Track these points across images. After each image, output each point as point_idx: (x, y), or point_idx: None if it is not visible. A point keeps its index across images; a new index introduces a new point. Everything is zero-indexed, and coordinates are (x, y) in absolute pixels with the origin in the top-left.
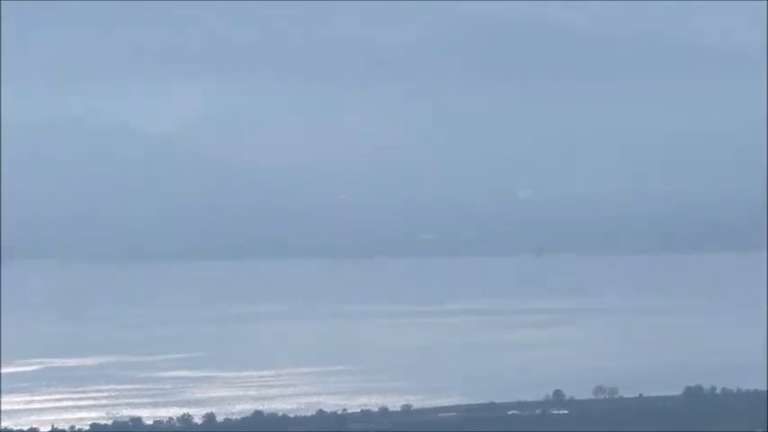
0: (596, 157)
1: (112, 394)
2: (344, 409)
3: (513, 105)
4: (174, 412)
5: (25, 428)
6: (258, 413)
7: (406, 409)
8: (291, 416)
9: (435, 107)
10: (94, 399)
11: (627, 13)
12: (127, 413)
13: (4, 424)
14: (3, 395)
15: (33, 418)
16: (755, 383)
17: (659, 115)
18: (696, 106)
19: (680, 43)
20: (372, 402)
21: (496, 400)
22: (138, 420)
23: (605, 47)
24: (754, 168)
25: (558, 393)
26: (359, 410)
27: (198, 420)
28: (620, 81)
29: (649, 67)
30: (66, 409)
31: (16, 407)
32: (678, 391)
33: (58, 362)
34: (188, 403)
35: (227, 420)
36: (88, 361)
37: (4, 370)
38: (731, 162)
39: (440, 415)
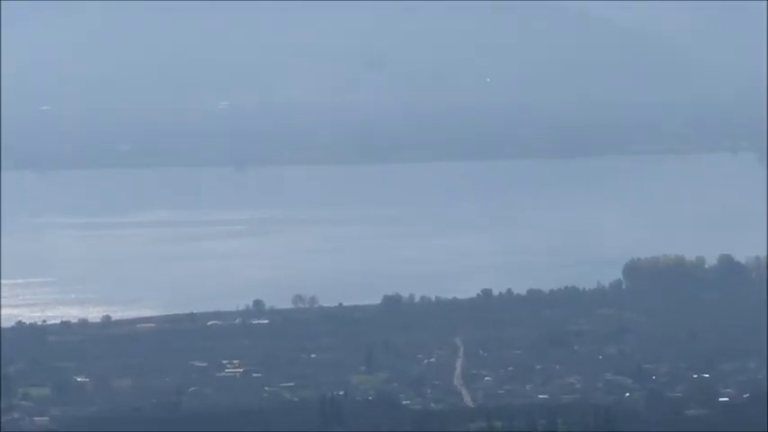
0: (298, 67)
1: None
2: (44, 321)
3: (205, 17)
4: None
5: None
6: None
7: (106, 321)
8: None
9: (125, 19)
10: None
11: None
12: None
13: None
14: None
15: None
16: (454, 291)
17: (358, 27)
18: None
19: None
20: (71, 314)
21: (196, 311)
22: None
23: None
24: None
25: (257, 303)
26: (58, 322)
27: None
28: None
29: None
30: None
31: None
32: (377, 300)
33: None
34: None
35: None
36: None
37: None
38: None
39: (139, 326)
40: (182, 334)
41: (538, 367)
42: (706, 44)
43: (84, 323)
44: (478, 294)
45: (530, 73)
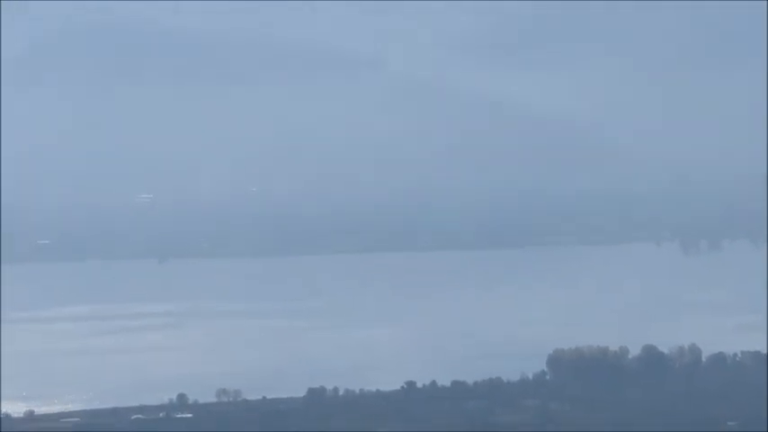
0: (218, 161)
1: None
2: None
3: (131, 109)
4: None
5: None
6: None
7: (29, 416)
8: None
9: (41, 108)
10: None
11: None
12: None
13: None
14: None
15: None
16: (377, 384)
17: (275, 118)
18: (313, 107)
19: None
20: None
21: (119, 405)
22: None
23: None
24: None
25: (181, 397)
26: None
27: None
28: (234, 85)
29: (256, 70)
30: None
31: None
32: (302, 393)
33: None
34: None
35: None
36: None
37: None
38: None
39: (63, 420)
40: (105, 428)
41: None
42: (627, 132)
43: (7, 418)
44: (402, 387)
45: (447, 162)
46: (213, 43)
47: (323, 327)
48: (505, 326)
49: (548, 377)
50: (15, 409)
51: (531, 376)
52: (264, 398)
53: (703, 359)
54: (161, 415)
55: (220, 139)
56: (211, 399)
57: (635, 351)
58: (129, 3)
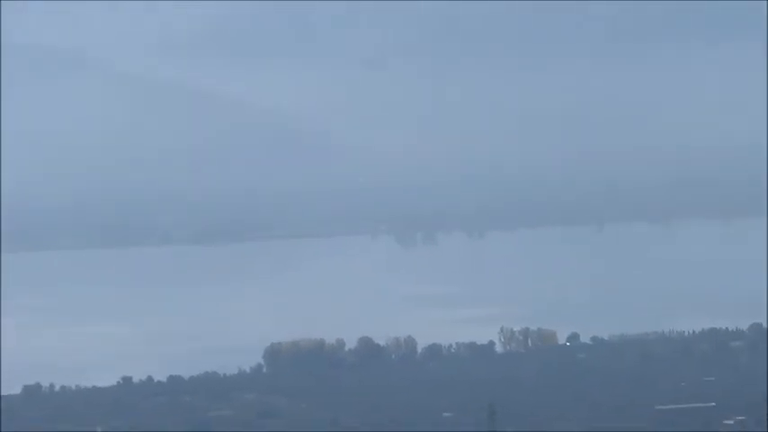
0: None
1: None
2: None
3: None
4: None
5: None
6: None
7: None
8: None
9: None
10: None
11: None
12: None
13: None
14: None
15: None
16: (94, 380)
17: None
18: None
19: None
20: None
21: None
22: None
23: None
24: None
25: None
26: None
27: None
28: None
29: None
30: None
31: None
32: (17, 390)
33: None
34: None
35: None
36: None
37: None
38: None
39: None
40: None
41: None
42: (347, 125)
43: None
44: (119, 382)
45: (165, 159)
46: None
47: (41, 324)
48: (223, 320)
49: (265, 370)
50: None
51: (248, 370)
52: None
53: (419, 350)
54: None
55: None
56: None
57: (351, 343)
58: None
